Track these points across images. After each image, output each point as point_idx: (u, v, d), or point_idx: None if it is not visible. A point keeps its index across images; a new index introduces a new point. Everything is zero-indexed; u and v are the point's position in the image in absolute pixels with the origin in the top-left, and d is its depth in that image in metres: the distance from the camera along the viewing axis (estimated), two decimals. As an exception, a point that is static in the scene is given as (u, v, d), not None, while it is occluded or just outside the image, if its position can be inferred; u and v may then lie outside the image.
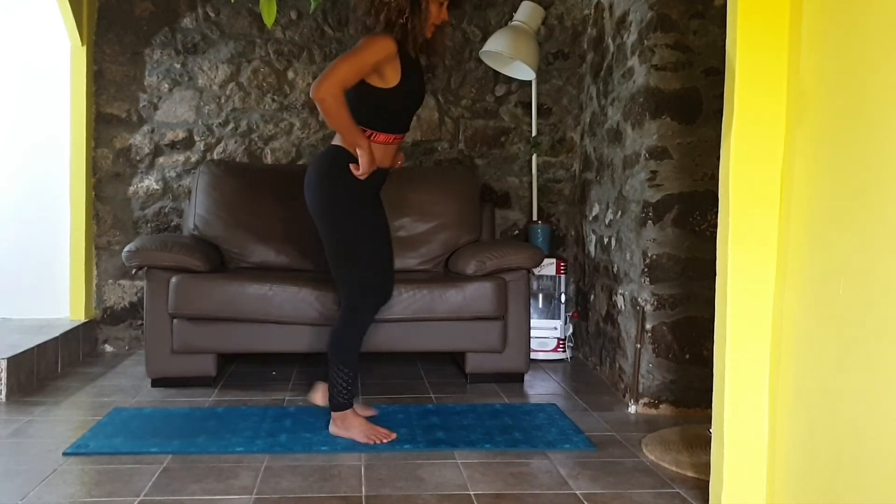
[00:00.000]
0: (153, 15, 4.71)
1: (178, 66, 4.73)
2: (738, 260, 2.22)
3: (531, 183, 4.85)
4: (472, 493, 2.54)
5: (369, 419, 3.19)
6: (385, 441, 2.99)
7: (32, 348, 3.86)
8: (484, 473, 2.71)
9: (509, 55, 4.42)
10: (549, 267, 4.48)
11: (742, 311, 2.23)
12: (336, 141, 3.06)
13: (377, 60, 2.89)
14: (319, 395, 3.27)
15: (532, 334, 4.26)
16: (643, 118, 3.57)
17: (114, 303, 4.77)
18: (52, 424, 3.27)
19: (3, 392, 3.59)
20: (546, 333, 4.49)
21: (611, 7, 4.14)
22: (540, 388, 3.95)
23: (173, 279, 3.74)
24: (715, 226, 2.38)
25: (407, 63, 3.00)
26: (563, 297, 4.51)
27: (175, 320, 3.77)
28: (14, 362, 3.66)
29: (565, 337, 4.51)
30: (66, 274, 4.65)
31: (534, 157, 4.82)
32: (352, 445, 2.99)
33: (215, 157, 4.74)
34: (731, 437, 2.25)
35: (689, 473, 2.71)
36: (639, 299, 3.57)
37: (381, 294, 3.22)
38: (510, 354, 3.96)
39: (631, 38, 3.75)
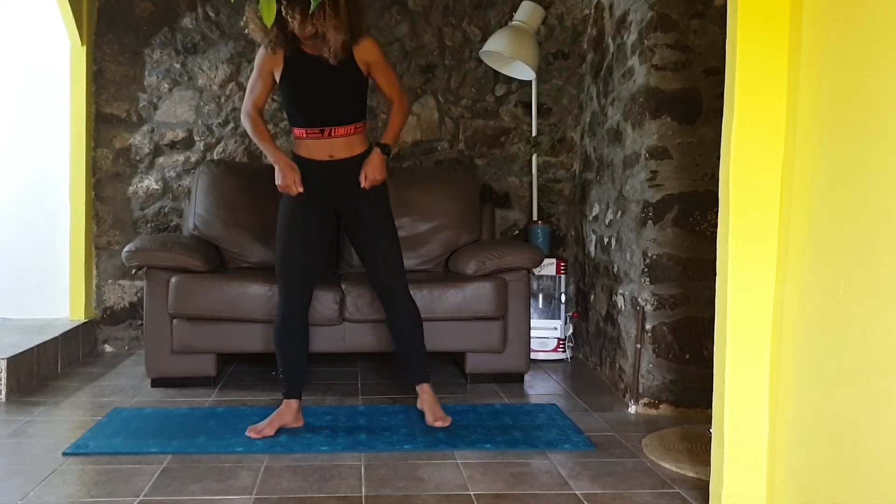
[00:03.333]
0: (153, 15, 4.70)
1: (177, 66, 4.73)
2: (738, 260, 2.22)
3: (531, 183, 4.84)
4: (472, 493, 2.54)
5: (295, 429, 3.18)
6: (252, 436, 3.06)
7: (32, 348, 3.86)
8: (484, 473, 2.71)
9: (509, 55, 4.42)
10: (549, 267, 4.48)
11: (742, 311, 2.22)
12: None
13: (257, 70, 3.18)
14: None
15: (532, 334, 4.26)
16: (643, 118, 3.57)
17: (114, 303, 4.77)
18: (51, 424, 3.27)
19: (3, 392, 3.59)
20: (546, 333, 4.49)
21: (611, 7, 4.13)
22: (540, 388, 3.95)
23: (173, 279, 3.74)
24: (715, 226, 2.37)
25: (289, 62, 3.14)
26: (563, 297, 4.51)
27: (175, 320, 3.77)
28: (14, 362, 3.66)
29: (565, 337, 4.51)
30: (66, 274, 4.64)
31: (534, 157, 4.82)
32: (352, 445, 2.99)
33: (215, 157, 4.74)
34: (731, 437, 2.25)
35: (689, 473, 2.71)
36: (639, 299, 3.57)
37: (289, 291, 3.19)
38: (510, 354, 3.95)
39: (631, 37, 3.75)
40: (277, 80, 3.16)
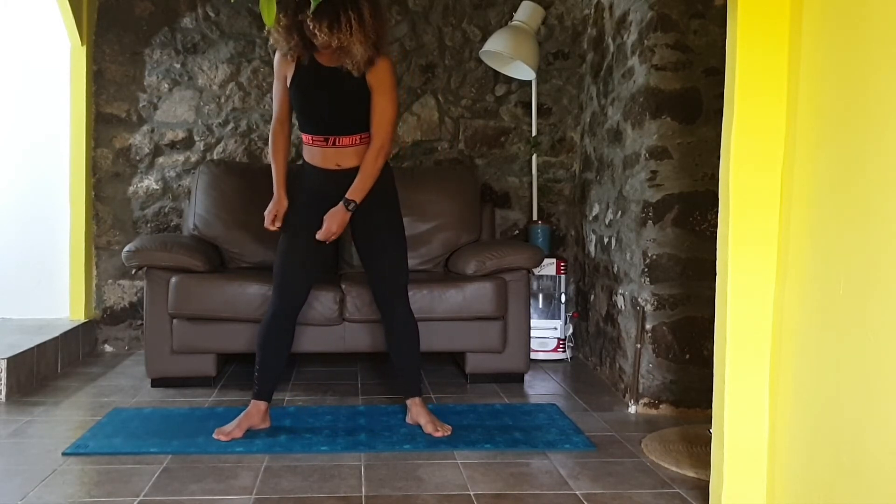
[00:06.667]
0: (153, 15, 4.70)
1: (177, 66, 4.73)
2: (738, 260, 2.22)
3: (531, 183, 4.84)
4: (472, 493, 2.54)
5: (259, 430, 3.15)
6: (220, 438, 3.03)
7: (32, 348, 3.86)
8: (484, 473, 2.71)
9: (509, 55, 4.42)
10: (549, 267, 4.48)
11: (742, 311, 2.22)
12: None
13: (275, 75, 3.17)
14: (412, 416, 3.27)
15: (532, 334, 4.26)
16: (643, 118, 3.57)
17: (114, 303, 4.77)
18: (51, 424, 3.27)
19: (3, 392, 3.59)
20: (546, 333, 4.49)
21: (611, 7, 4.14)
22: (540, 388, 3.95)
23: (173, 279, 3.74)
24: (715, 226, 2.37)
25: (301, 68, 3.09)
26: (563, 297, 4.51)
27: (175, 320, 3.77)
28: (14, 362, 3.66)
29: (565, 337, 4.51)
30: (66, 274, 4.65)
31: (534, 157, 4.82)
32: (352, 445, 2.99)
33: (215, 157, 4.74)
34: (731, 437, 2.25)
35: (689, 473, 2.71)
36: (639, 299, 3.57)
37: (283, 293, 3.16)
38: (510, 354, 3.95)
39: (631, 37, 3.75)
40: (288, 84, 3.13)
